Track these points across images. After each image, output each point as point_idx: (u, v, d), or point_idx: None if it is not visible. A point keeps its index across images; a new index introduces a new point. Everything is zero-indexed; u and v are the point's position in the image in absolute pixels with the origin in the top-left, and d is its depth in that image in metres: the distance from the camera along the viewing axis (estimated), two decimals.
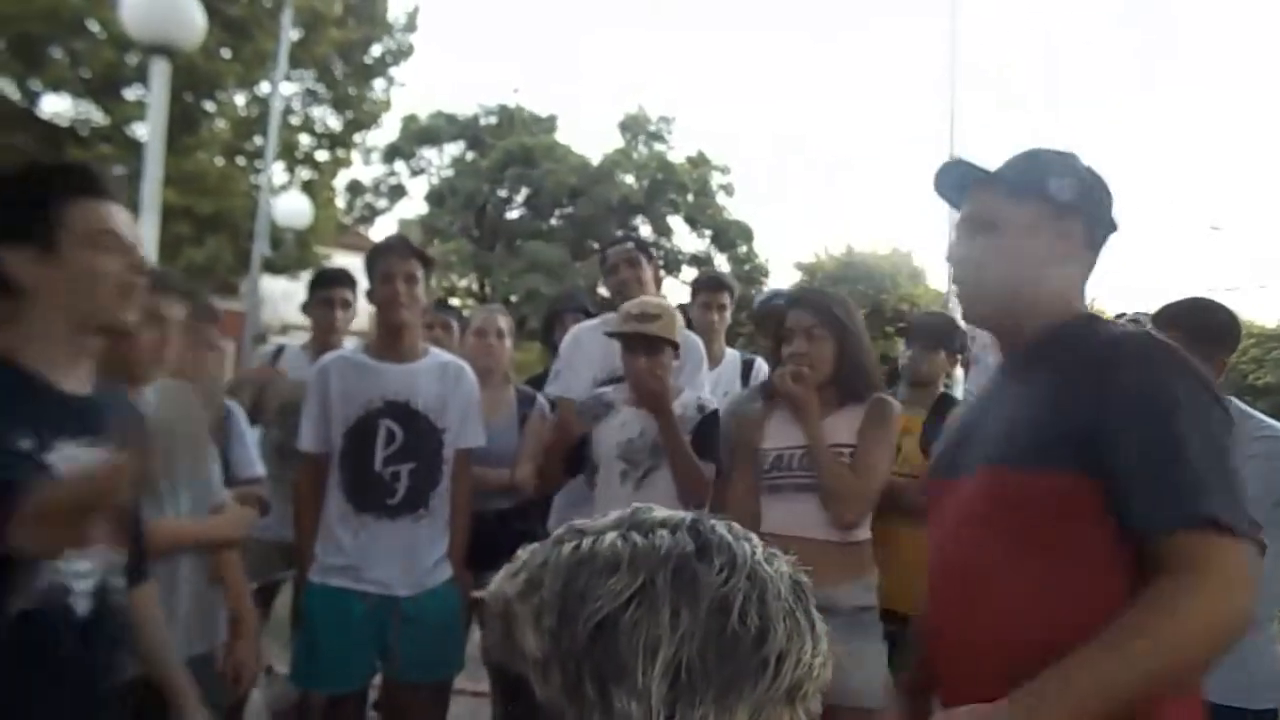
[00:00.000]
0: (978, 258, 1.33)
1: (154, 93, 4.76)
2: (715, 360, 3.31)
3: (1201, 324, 2.14)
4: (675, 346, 2.47)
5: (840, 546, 2.18)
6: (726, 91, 51.23)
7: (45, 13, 9.92)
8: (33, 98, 11.10)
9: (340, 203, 20.88)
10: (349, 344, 3.03)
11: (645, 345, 2.41)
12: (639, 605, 0.57)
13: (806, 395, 2.23)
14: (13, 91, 10.84)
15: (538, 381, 3.34)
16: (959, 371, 3.76)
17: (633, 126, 26.89)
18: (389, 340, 2.49)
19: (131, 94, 10.94)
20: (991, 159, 1.38)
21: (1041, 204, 1.28)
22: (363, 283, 2.79)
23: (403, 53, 14.85)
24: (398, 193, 26.44)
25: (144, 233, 4.65)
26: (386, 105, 14.76)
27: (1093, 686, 1.05)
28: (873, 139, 52.43)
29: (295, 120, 13.21)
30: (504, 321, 3.24)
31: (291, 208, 10.46)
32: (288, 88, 12.26)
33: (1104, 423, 1.13)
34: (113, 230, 1.33)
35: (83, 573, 1.29)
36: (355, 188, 25.73)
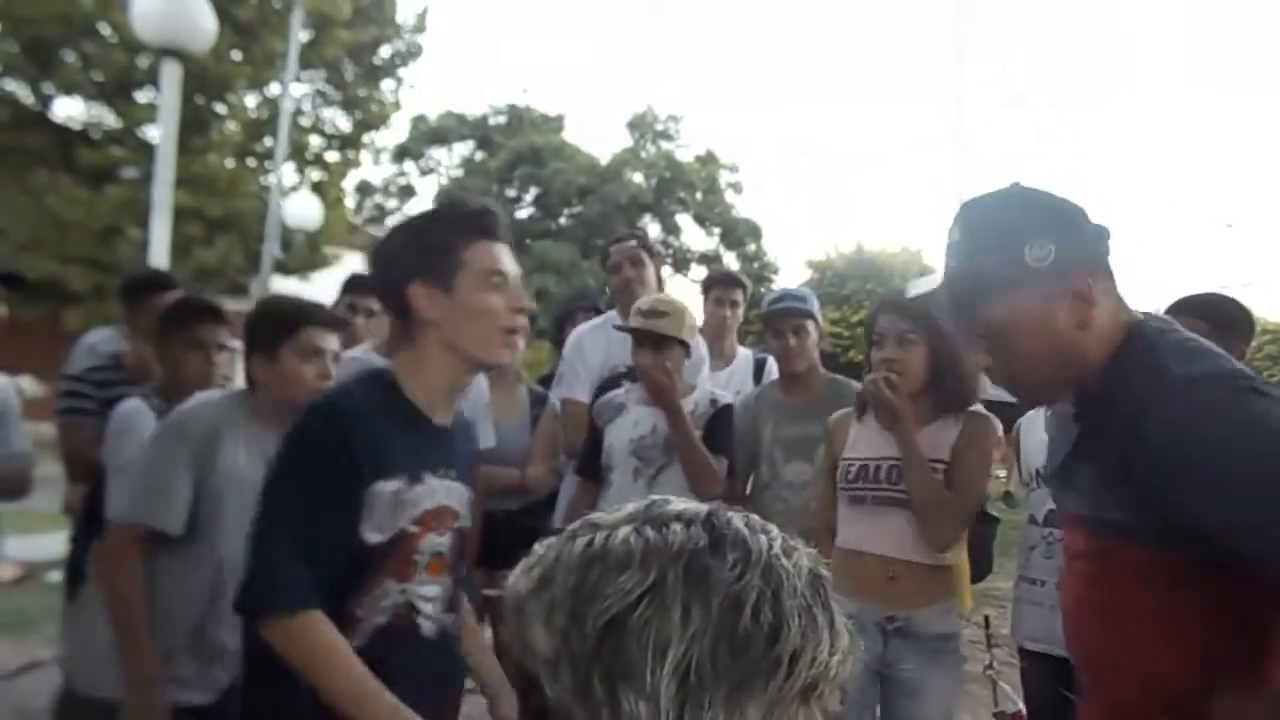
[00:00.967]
0: (1017, 365, 1.23)
1: (165, 95, 4.78)
2: (727, 358, 3.27)
3: (1226, 315, 2.15)
4: (685, 345, 2.46)
5: (929, 569, 2.07)
6: (734, 94, 51.25)
7: (57, 16, 10.00)
8: (45, 101, 11.20)
9: (350, 203, 20.89)
10: (362, 345, 3.03)
11: (654, 342, 2.41)
12: (649, 604, 0.56)
13: (900, 403, 2.08)
14: (26, 95, 10.94)
15: (548, 381, 3.33)
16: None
17: (641, 126, 26.89)
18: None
19: (143, 96, 11.03)
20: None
21: (1033, 281, 1.17)
22: None
23: (412, 54, 14.91)
24: (407, 193, 26.54)
25: (155, 234, 4.69)
26: (396, 106, 14.81)
27: None
28: (880, 140, 52.31)
29: (305, 121, 13.27)
30: None
31: (302, 209, 10.47)
32: (297, 89, 12.34)
33: (1177, 497, 1.02)
34: (503, 271, 1.43)
35: (429, 596, 1.43)
36: (365, 188, 25.86)
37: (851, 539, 2.12)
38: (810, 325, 2.68)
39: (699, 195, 25.64)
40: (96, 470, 2.22)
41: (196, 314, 2.25)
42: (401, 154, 26.17)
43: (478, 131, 26.46)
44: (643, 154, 26.38)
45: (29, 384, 2.92)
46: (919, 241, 20.61)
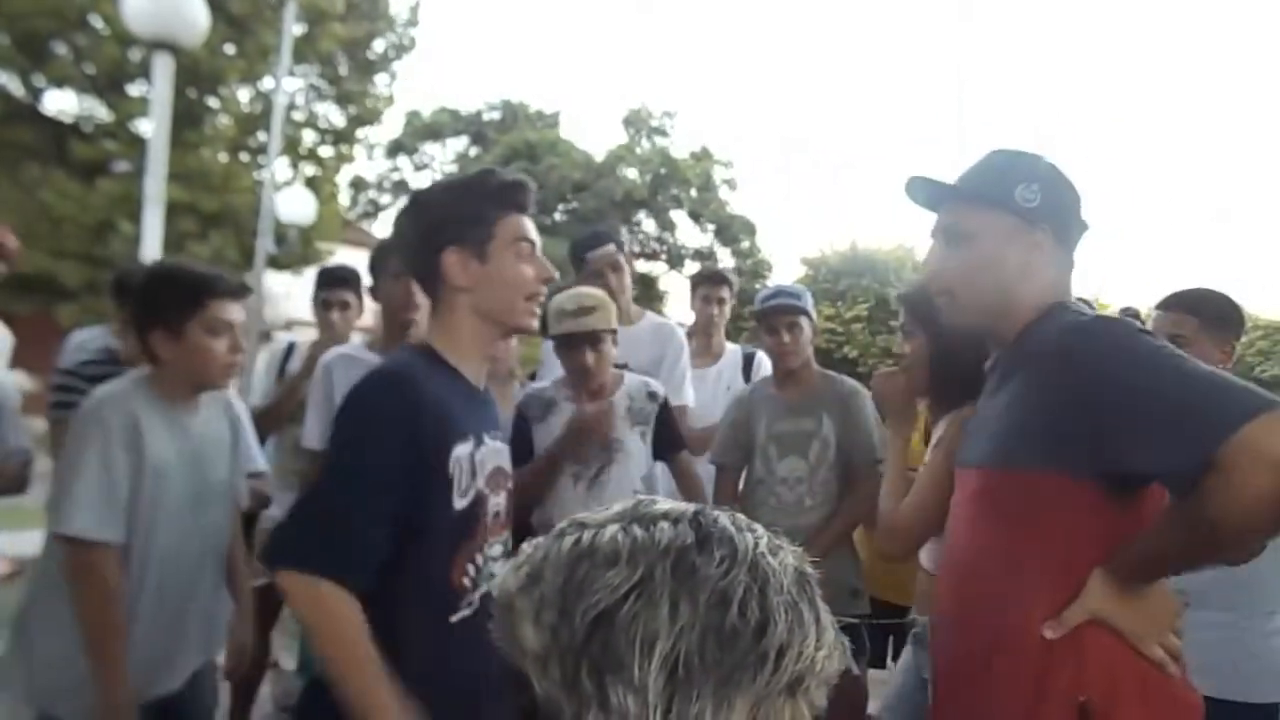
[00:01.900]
0: (954, 267, 1.38)
1: (157, 89, 4.76)
2: (715, 354, 3.30)
3: (1217, 310, 2.17)
4: (613, 333, 2.38)
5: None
6: (730, 90, 51.16)
7: (49, 9, 9.94)
8: (37, 94, 11.14)
9: (344, 198, 20.88)
10: (355, 340, 3.03)
11: (590, 340, 2.30)
12: (637, 599, 0.57)
13: (897, 402, 1.97)
14: (17, 88, 10.88)
15: (532, 379, 3.32)
16: None
17: (636, 122, 26.85)
18: (394, 337, 2.49)
19: (135, 90, 10.98)
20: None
21: (1010, 211, 1.32)
22: (365, 279, 2.79)
23: (406, 48, 14.85)
24: (401, 188, 26.44)
25: (148, 229, 4.67)
26: (390, 101, 14.75)
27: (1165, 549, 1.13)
28: (876, 138, 52.27)
29: (299, 116, 13.21)
30: None
31: (295, 204, 10.43)
32: (291, 83, 12.27)
33: (1086, 415, 1.15)
34: (531, 240, 1.49)
35: (495, 556, 1.47)
36: (359, 183, 25.77)
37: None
38: (804, 322, 2.68)
39: (694, 191, 25.60)
40: None
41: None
42: (395, 149, 26.08)
43: (472, 127, 26.39)
44: (637, 150, 26.34)
45: (21, 379, 2.92)
46: (913, 239, 20.63)
